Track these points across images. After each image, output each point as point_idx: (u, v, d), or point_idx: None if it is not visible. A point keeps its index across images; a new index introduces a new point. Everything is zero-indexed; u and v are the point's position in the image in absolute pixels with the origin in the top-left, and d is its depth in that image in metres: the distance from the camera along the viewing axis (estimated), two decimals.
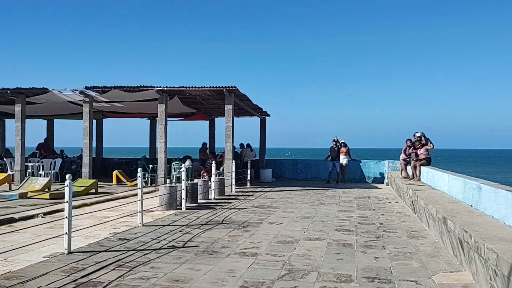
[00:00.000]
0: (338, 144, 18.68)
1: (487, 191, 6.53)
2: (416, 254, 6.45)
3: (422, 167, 13.46)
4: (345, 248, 6.82)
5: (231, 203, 12.13)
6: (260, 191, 15.16)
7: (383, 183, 18.96)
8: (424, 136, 13.80)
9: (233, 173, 14.70)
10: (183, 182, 10.71)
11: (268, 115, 21.03)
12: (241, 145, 19.26)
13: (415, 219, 9.67)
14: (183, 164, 11.54)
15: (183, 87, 14.75)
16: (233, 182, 14.74)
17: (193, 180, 13.20)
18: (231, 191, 14.57)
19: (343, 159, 18.55)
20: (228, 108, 14.82)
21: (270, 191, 15.37)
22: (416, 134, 14.08)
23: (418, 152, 13.74)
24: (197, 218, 9.58)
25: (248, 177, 17.03)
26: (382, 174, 19.56)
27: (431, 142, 13.60)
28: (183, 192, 10.71)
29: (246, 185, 16.82)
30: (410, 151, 14.24)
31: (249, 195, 13.99)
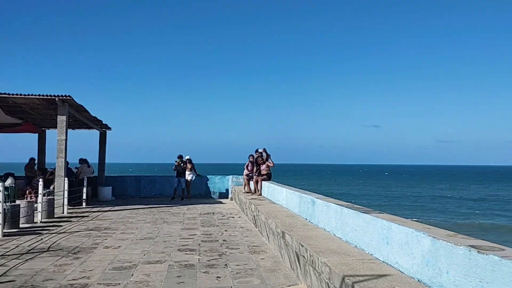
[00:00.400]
0: (183, 160, 18.43)
1: (320, 205, 6.95)
2: (257, 270, 6.48)
3: (263, 182, 14.04)
4: (187, 269, 6.50)
5: (62, 226, 10.78)
6: (98, 211, 13.91)
7: (227, 198, 19.29)
8: (266, 152, 14.44)
9: (66, 192, 13.19)
10: (0, 204, 9.09)
11: (109, 128, 19.66)
12: (81, 160, 17.45)
13: (257, 233, 9.90)
14: (0, 183, 9.81)
15: (5, 93, 12.76)
16: (66, 202, 13.22)
17: (15, 201, 11.40)
18: (63, 213, 13.03)
19: (188, 175, 18.34)
20: (61, 119, 13.31)
21: (109, 210, 14.22)
22: (259, 150, 14.65)
23: (260, 167, 14.32)
24: (17, 246, 8.19)
25: (84, 196, 15.52)
26: (226, 189, 19.90)
27: (271, 160, 14.28)
28: (0, 216, 9.09)
29: (82, 205, 15.29)
30: (255, 169, 14.74)
31: (84, 216, 12.68)
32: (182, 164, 18.27)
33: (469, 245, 3.10)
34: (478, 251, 2.94)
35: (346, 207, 5.77)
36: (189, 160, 18.49)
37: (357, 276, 3.90)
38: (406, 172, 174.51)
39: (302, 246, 5.46)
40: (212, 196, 19.73)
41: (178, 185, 18.29)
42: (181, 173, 18.25)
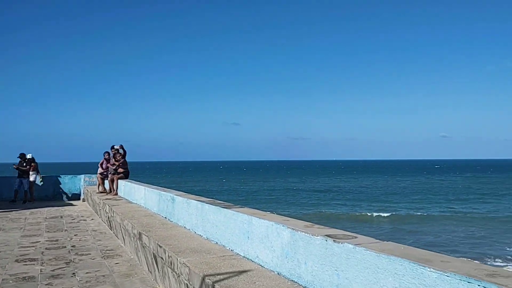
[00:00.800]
0: (26, 159, 16.31)
1: (180, 202, 6.67)
2: (110, 276, 5.92)
3: (120, 180, 13.16)
4: (25, 283, 5.61)
5: None
6: None
7: (79, 199, 17.69)
8: (123, 149, 13.58)
9: None
10: None
11: None
12: None
13: (112, 236, 9.18)
14: None
15: None
16: None
17: None
18: None
19: (32, 176, 16.30)
20: None
21: None
22: (115, 147, 13.71)
23: (117, 163, 13.40)
24: None
25: None
26: (78, 190, 18.24)
27: (115, 162, 13.44)
28: None
29: None
30: (110, 163, 13.75)
31: None
32: (24, 164, 16.15)
33: (326, 235, 3.16)
34: (334, 240, 3.01)
35: (207, 203, 5.60)
36: (32, 159, 16.45)
37: (218, 274, 3.74)
38: (262, 167, 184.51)
39: (160, 247, 5.11)
40: (62, 198, 17.89)
41: (20, 187, 16.13)
42: (23, 173, 16.12)
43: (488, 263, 20.40)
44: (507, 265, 20.02)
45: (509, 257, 21.69)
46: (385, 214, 35.92)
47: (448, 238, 26.70)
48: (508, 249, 23.55)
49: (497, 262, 20.69)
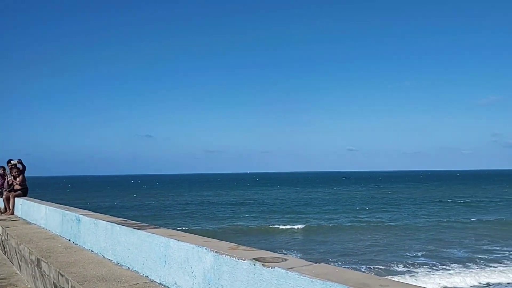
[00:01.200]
0: None
1: (87, 223, 6.03)
2: None
3: (17, 198, 11.85)
4: None
5: None
6: None
7: None
8: (21, 163, 12.30)
9: None
10: None
11: None
12: None
13: (5, 262, 8.15)
14: None
15: None
16: None
17: None
18: None
19: None
20: None
21: None
22: (12, 161, 12.39)
23: (14, 181, 12.08)
24: None
25: None
26: None
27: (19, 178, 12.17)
28: None
29: None
30: (7, 180, 12.38)
31: None
32: None
33: (254, 258, 2.90)
34: (263, 265, 2.76)
35: (118, 223, 5.08)
36: None
37: None
38: (177, 181, 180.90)
39: (62, 275, 4.50)
40: None
41: None
42: None
43: (392, 268, 21.75)
44: (409, 270, 21.50)
45: (410, 262, 23.30)
46: (297, 226, 36.83)
47: (356, 246, 28.04)
48: (408, 254, 25.32)
49: (399, 267, 22.11)
